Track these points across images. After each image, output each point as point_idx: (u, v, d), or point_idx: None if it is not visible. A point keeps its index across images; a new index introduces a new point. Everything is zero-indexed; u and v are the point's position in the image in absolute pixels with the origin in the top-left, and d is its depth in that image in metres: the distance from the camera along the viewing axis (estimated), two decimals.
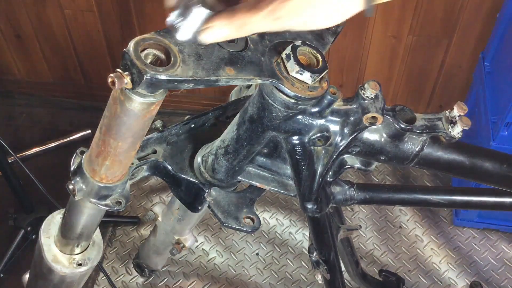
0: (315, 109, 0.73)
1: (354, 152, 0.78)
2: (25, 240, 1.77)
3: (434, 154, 0.78)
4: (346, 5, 0.54)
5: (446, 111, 0.76)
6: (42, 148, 2.15)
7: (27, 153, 2.12)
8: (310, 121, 0.74)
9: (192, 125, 0.89)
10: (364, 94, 0.72)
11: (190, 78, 0.59)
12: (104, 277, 1.76)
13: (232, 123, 0.78)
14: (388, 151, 0.77)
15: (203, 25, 0.56)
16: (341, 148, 0.76)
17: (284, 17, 0.53)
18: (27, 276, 1.03)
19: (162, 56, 0.60)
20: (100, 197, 0.76)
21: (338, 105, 0.74)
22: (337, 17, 0.54)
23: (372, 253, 1.86)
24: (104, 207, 0.77)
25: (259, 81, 0.65)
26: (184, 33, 0.58)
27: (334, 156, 0.77)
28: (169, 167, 0.85)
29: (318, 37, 0.76)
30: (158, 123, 0.87)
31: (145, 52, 0.59)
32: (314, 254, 1.05)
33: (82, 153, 0.75)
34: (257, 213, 0.86)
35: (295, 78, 0.65)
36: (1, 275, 1.73)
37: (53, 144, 2.17)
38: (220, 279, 1.79)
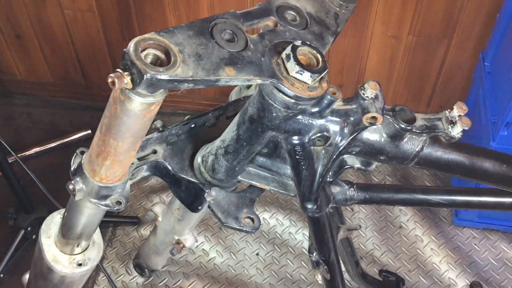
0: (315, 109, 0.73)
1: (354, 152, 0.79)
2: (25, 240, 1.77)
3: (434, 154, 0.78)
4: None
5: (446, 111, 0.76)
6: (42, 148, 2.15)
7: (27, 153, 2.12)
8: (310, 121, 0.75)
9: (192, 125, 0.89)
10: (364, 94, 0.72)
11: (190, 78, 0.59)
12: (104, 277, 1.76)
13: (232, 123, 0.78)
14: (388, 151, 0.77)
15: None
16: (341, 148, 0.76)
17: None
18: (27, 276, 1.03)
19: (162, 56, 0.60)
20: (100, 197, 0.76)
21: (338, 105, 0.74)
22: None
23: (372, 253, 1.86)
24: (104, 207, 0.77)
25: (259, 81, 0.65)
26: None
27: (334, 156, 0.77)
28: (169, 167, 0.85)
29: (318, 37, 0.76)
30: (158, 123, 0.87)
31: (145, 52, 0.59)
32: (314, 254, 1.05)
33: (82, 153, 0.75)
34: (257, 213, 0.86)
35: (295, 78, 0.65)
36: (1, 275, 1.73)
37: (53, 144, 2.17)
38: (220, 279, 1.79)
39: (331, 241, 1.02)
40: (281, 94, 0.66)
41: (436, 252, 1.85)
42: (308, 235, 1.66)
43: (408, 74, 2.03)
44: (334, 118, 0.75)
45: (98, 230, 0.91)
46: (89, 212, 0.81)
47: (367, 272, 1.45)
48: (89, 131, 2.20)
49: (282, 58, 0.66)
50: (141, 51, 0.58)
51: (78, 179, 0.74)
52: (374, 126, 0.74)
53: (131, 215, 1.96)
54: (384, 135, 0.76)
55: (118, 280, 1.78)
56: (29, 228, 1.77)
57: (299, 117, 0.74)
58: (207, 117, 0.90)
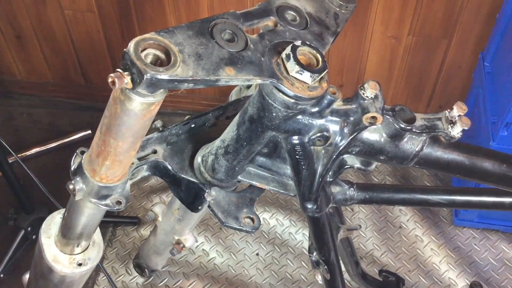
0: (315, 109, 0.74)
1: (354, 152, 0.79)
2: (25, 241, 1.77)
3: (434, 154, 0.78)
4: None
5: (446, 111, 0.76)
6: (42, 148, 2.15)
7: (27, 153, 2.12)
8: (310, 121, 0.75)
9: (192, 125, 0.89)
10: (364, 94, 0.72)
11: (190, 78, 0.59)
12: (104, 277, 1.76)
13: (232, 123, 0.78)
14: (388, 151, 0.77)
15: None
16: (341, 148, 0.76)
17: None
18: (27, 276, 1.03)
19: (162, 56, 0.60)
20: (100, 197, 0.76)
21: (338, 105, 0.74)
22: None
23: (372, 253, 1.86)
24: (104, 207, 0.77)
25: (259, 81, 0.65)
26: None
27: (334, 156, 0.77)
28: (169, 167, 0.85)
29: (318, 37, 0.76)
30: (158, 123, 0.87)
31: (145, 52, 0.59)
32: (314, 254, 1.05)
33: (82, 153, 0.75)
34: (257, 213, 0.86)
35: (295, 78, 0.65)
36: (1, 275, 1.73)
37: (53, 144, 2.17)
38: (220, 279, 1.79)
39: (331, 241, 1.03)
40: (281, 94, 0.66)
41: (436, 252, 1.85)
42: (308, 235, 1.66)
43: (408, 74, 2.03)
44: (334, 118, 0.75)
45: (98, 230, 0.91)
46: (89, 212, 0.81)
47: (367, 272, 1.45)
48: (89, 131, 2.20)
49: (282, 58, 0.66)
50: (141, 51, 0.58)
51: (78, 179, 0.74)
52: (374, 126, 0.74)
53: (131, 215, 1.96)
54: (384, 135, 0.76)
55: (118, 280, 1.78)
56: (29, 228, 1.77)
57: (299, 117, 0.74)
58: (207, 117, 0.90)
